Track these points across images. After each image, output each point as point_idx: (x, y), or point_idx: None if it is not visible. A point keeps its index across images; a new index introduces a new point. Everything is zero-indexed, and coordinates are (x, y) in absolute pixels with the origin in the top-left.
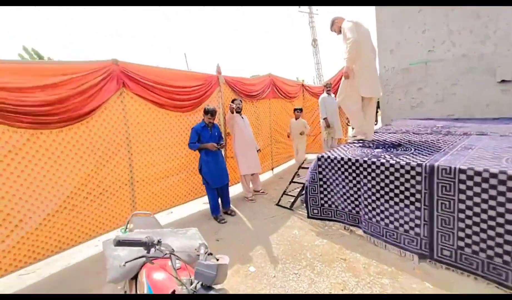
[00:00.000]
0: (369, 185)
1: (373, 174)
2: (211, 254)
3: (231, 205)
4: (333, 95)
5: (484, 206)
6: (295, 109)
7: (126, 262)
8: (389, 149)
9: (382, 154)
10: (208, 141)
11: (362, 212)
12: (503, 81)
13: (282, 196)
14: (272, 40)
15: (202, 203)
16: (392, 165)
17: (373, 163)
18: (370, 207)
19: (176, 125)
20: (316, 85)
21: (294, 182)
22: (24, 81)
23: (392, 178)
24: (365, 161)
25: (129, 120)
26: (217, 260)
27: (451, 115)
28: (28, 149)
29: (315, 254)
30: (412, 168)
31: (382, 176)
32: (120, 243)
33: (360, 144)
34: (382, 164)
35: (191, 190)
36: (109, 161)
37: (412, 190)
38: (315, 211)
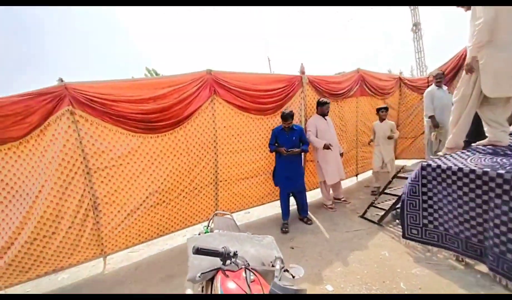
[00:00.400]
0: (505, 208)
1: None
2: (287, 270)
3: (308, 213)
4: (445, 88)
5: None
6: (378, 109)
7: (201, 274)
8: None
9: None
10: (284, 144)
11: (489, 242)
12: None
13: (368, 207)
14: (358, 31)
15: (278, 206)
16: None
17: None
18: (504, 238)
19: (257, 128)
20: (418, 77)
21: (386, 193)
22: (142, 94)
23: None
24: (499, 175)
25: (217, 124)
26: (293, 276)
27: None
28: (141, 151)
29: (412, 285)
30: None
31: None
32: (198, 251)
33: (490, 151)
34: None
35: (268, 192)
36: (199, 162)
37: None
38: (414, 231)
